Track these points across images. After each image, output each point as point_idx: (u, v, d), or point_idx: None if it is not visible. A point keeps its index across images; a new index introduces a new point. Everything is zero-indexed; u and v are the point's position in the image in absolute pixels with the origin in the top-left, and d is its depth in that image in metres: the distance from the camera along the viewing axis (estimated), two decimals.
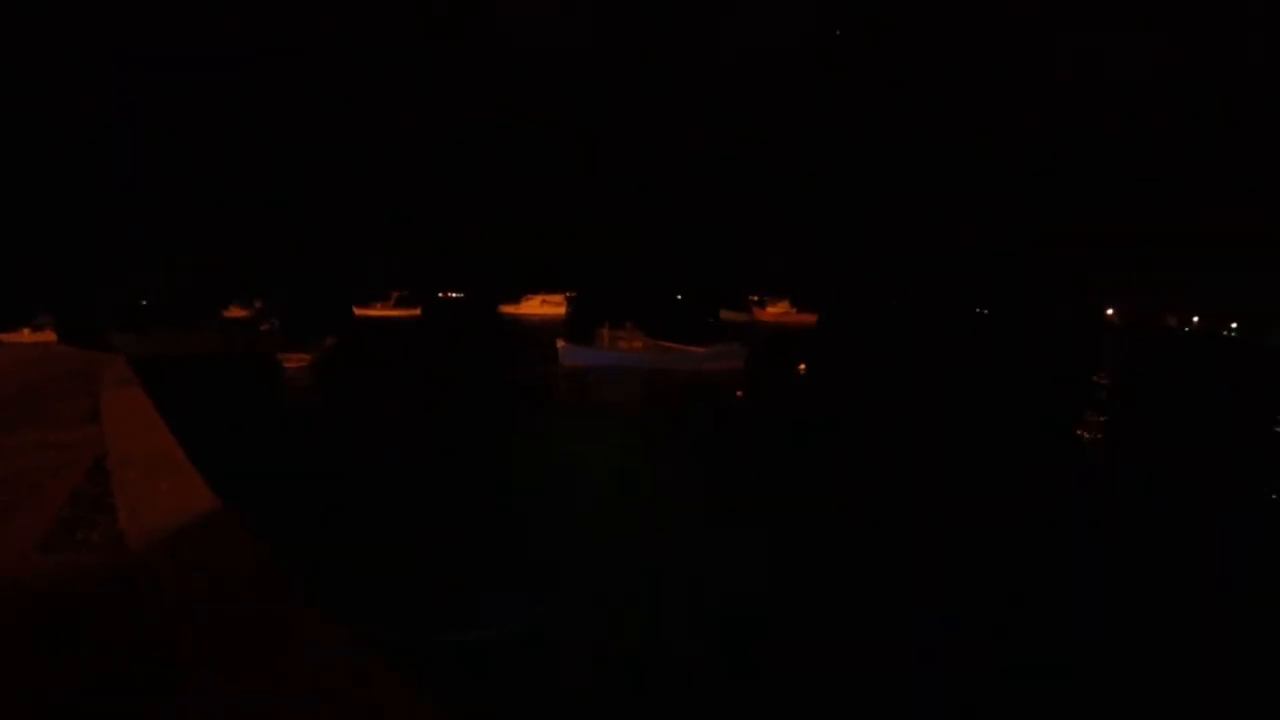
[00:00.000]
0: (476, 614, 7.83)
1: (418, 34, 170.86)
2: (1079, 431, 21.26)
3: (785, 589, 9.22)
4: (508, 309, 76.77)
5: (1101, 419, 23.77)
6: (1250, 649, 8.34)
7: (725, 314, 74.05)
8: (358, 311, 68.65)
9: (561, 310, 75.57)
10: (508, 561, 9.69)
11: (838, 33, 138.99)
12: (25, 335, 33.65)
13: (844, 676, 7.12)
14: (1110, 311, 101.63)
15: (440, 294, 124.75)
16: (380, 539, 10.27)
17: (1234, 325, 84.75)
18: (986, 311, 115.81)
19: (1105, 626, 8.60)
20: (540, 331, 48.55)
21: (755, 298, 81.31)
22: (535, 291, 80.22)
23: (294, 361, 28.85)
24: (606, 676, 6.88)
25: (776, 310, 73.89)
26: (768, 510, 12.37)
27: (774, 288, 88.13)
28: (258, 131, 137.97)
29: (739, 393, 25.43)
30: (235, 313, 60.57)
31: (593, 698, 6.53)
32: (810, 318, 71.89)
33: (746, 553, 10.35)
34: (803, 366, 32.74)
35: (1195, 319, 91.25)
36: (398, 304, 72.46)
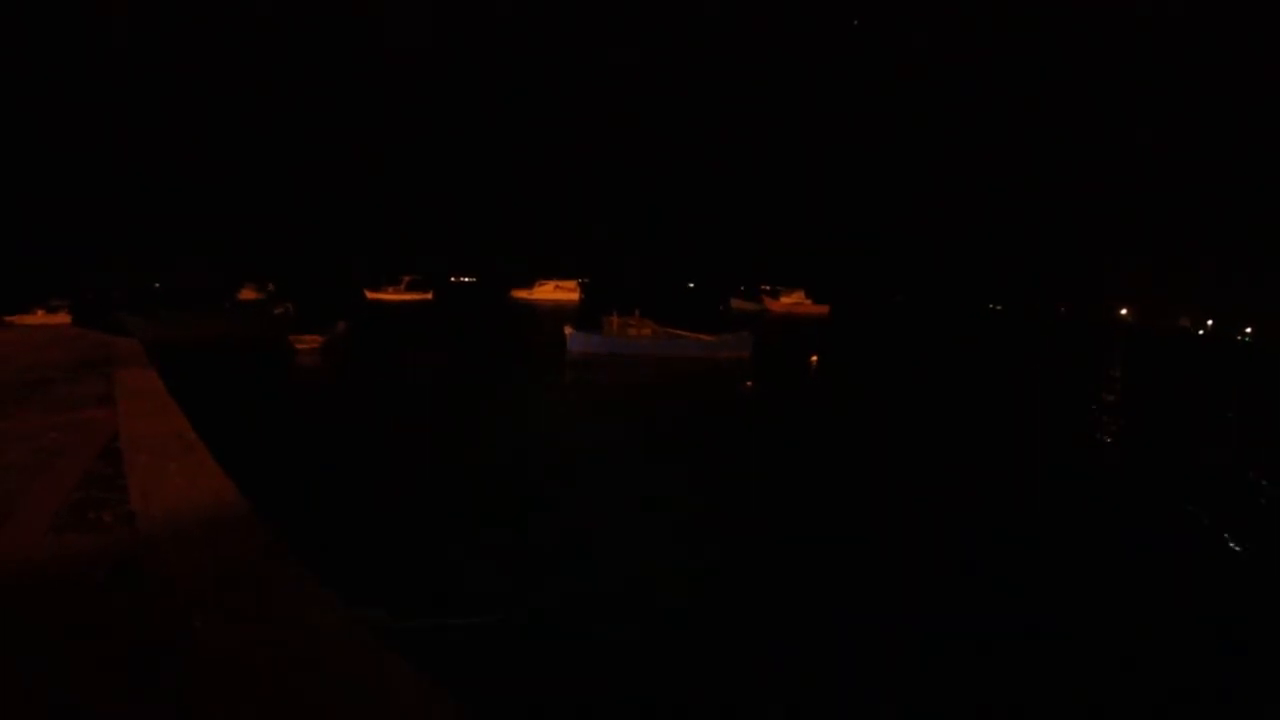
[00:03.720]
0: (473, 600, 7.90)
1: (426, 17, 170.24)
2: (1089, 431, 21.14)
3: (785, 584, 9.24)
4: (520, 294, 76.77)
5: (1112, 419, 23.61)
6: (1253, 651, 8.31)
7: (737, 303, 73.84)
8: (369, 295, 68.84)
9: (575, 296, 75.46)
10: (504, 548, 9.73)
11: (855, 22, 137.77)
12: (39, 317, 33.98)
13: (842, 675, 7.13)
14: (1124, 311, 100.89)
15: (452, 278, 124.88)
16: (384, 522, 10.34)
17: (1248, 330, 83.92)
18: (1000, 307, 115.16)
19: (1107, 627, 8.58)
20: (552, 317, 48.61)
21: (767, 287, 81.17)
22: (548, 277, 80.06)
23: (305, 344, 29.03)
24: (601, 671, 6.89)
25: (789, 300, 73.67)
26: (772, 504, 12.38)
27: (790, 278, 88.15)
28: (271, 115, 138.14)
29: (748, 383, 25.41)
30: (249, 295, 60.85)
31: (586, 692, 6.55)
32: (823, 308, 71.64)
33: (747, 546, 10.38)
34: (815, 358, 32.61)
35: (1210, 322, 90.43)
36: (409, 288, 72.56)
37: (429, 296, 71.66)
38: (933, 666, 7.36)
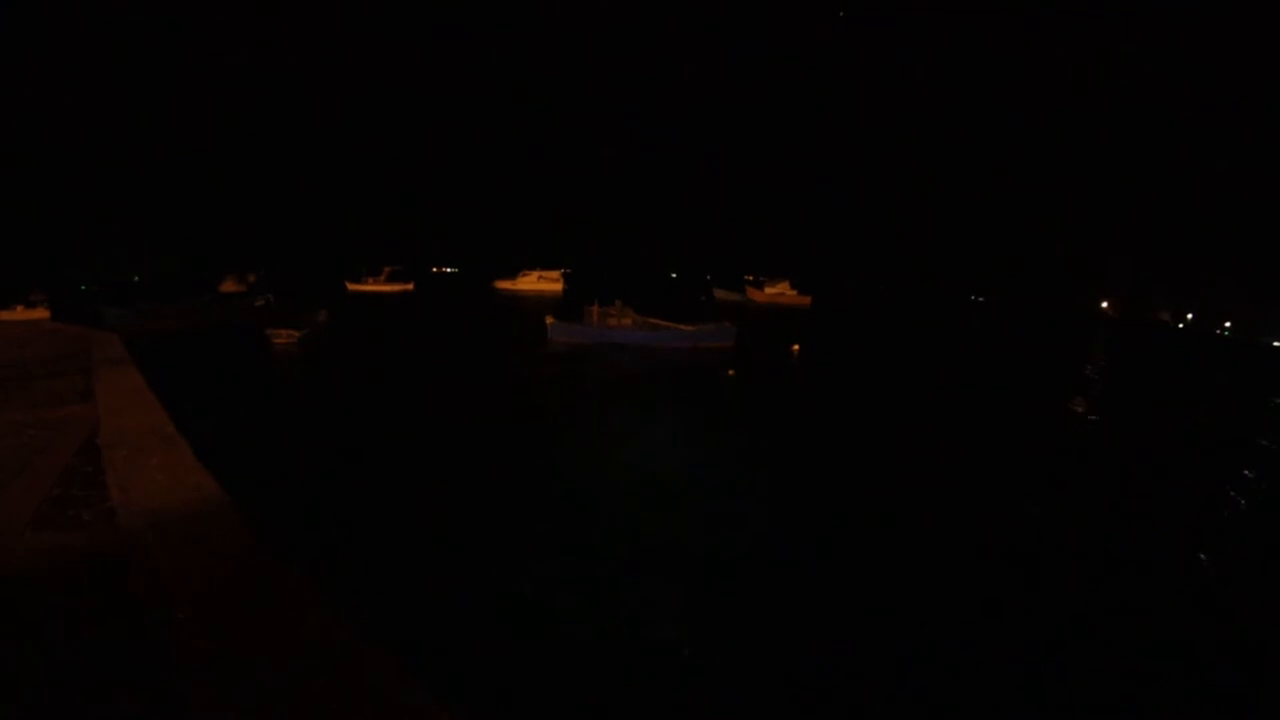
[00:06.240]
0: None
1: (410, 7, 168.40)
2: (1069, 419, 21.44)
3: (775, 576, 9.35)
4: (503, 285, 76.31)
5: (1092, 410, 23.91)
6: (1242, 645, 8.47)
7: (720, 293, 73.94)
8: (350, 287, 68.36)
9: (559, 286, 75.11)
10: (491, 542, 9.79)
11: (841, 13, 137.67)
12: (18, 313, 33.51)
13: (837, 671, 7.22)
14: (1105, 304, 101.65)
15: (434, 269, 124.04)
16: (366, 516, 10.37)
17: (1227, 324, 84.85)
18: (981, 299, 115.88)
19: (1097, 622, 8.74)
20: (536, 308, 48.48)
21: (751, 277, 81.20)
22: (532, 267, 79.51)
23: (283, 337, 28.88)
24: (599, 668, 6.95)
25: (773, 290, 73.63)
26: (756, 494, 12.50)
27: (775, 268, 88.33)
28: (255, 108, 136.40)
29: (729, 371, 25.53)
30: (230, 287, 60.30)
31: (585, 690, 6.61)
32: (806, 299, 71.80)
33: (736, 539, 10.48)
34: (796, 347, 32.81)
35: (1189, 315, 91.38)
36: (390, 279, 72.04)
37: (410, 287, 71.22)
38: (919, 658, 7.49)
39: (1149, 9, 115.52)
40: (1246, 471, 16.62)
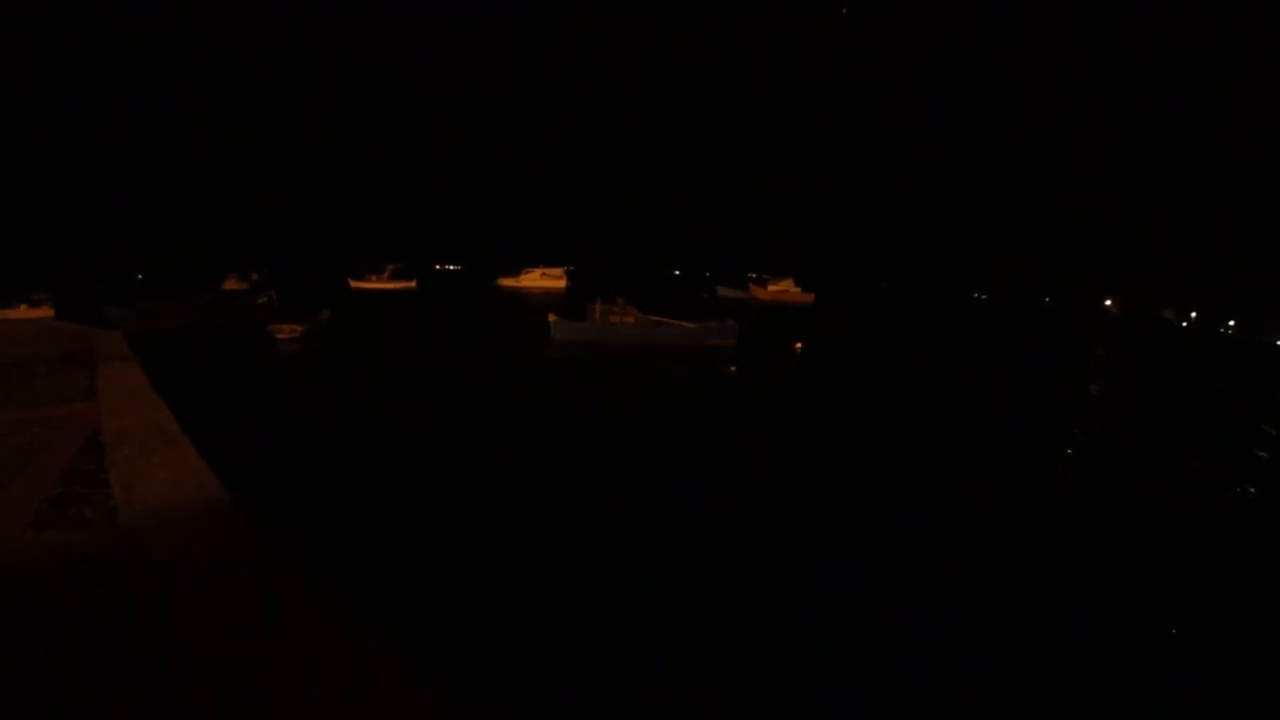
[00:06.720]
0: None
1: (413, 4, 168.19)
2: (1070, 419, 21.38)
3: (772, 574, 9.34)
4: (506, 282, 76.29)
5: (1094, 409, 23.86)
6: (1240, 648, 8.45)
7: (723, 291, 73.95)
8: (353, 284, 68.38)
9: (562, 284, 75.16)
10: (491, 541, 9.79)
11: (844, 10, 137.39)
12: (22, 311, 33.57)
13: (834, 671, 7.21)
14: (1108, 302, 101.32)
15: (437, 266, 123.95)
16: (368, 515, 10.37)
17: (1231, 323, 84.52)
18: (984, 297, 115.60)
19: (1095, 624, 8.72)
20: (540, 305, 48.44)
21: (754, 275, 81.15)
22: (535, 264, 79.46)
23: (285, 333, 28.96)
24: (598, 668, 6.95)
25: (777, 288, 73.53)
26: (756, 493, 12.49)
27: (779, 265, 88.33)
28: (253, 103, 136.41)
29: (732, 369, 25.51)
30: (233, 285, 60.37)
31: (583, 690, 6.60)
32: (809, 296, 71.70)
33: (735, 537, 10.47)
34: (799, 345, 32.79)
35: (1193, 314, 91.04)
36: (393, 277, 72.01)
37: (412, 285, 71.23)
38: (916, 659, 7.48)
39: (1152, 6, 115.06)
40: (1248, 473, 16.58)
